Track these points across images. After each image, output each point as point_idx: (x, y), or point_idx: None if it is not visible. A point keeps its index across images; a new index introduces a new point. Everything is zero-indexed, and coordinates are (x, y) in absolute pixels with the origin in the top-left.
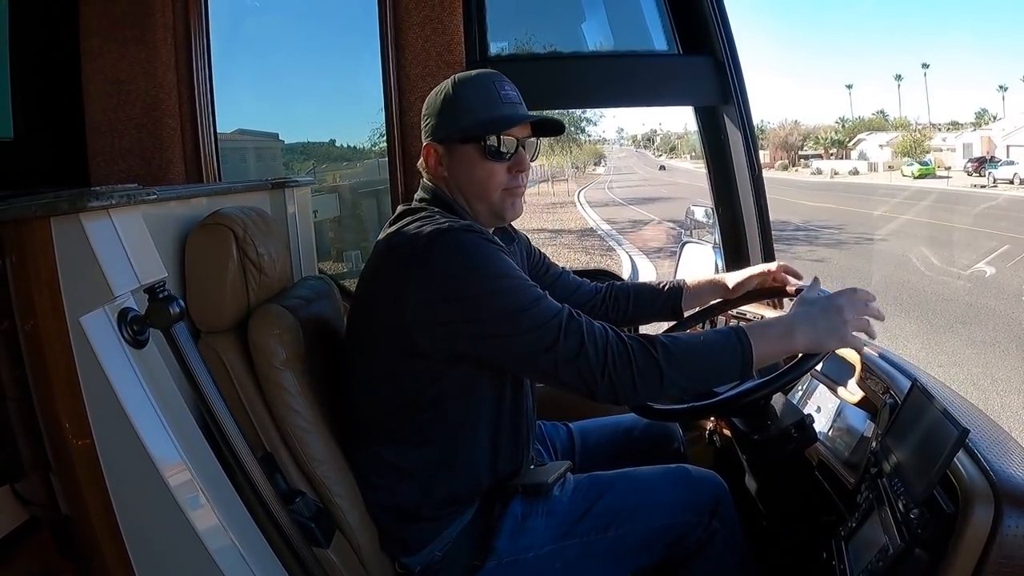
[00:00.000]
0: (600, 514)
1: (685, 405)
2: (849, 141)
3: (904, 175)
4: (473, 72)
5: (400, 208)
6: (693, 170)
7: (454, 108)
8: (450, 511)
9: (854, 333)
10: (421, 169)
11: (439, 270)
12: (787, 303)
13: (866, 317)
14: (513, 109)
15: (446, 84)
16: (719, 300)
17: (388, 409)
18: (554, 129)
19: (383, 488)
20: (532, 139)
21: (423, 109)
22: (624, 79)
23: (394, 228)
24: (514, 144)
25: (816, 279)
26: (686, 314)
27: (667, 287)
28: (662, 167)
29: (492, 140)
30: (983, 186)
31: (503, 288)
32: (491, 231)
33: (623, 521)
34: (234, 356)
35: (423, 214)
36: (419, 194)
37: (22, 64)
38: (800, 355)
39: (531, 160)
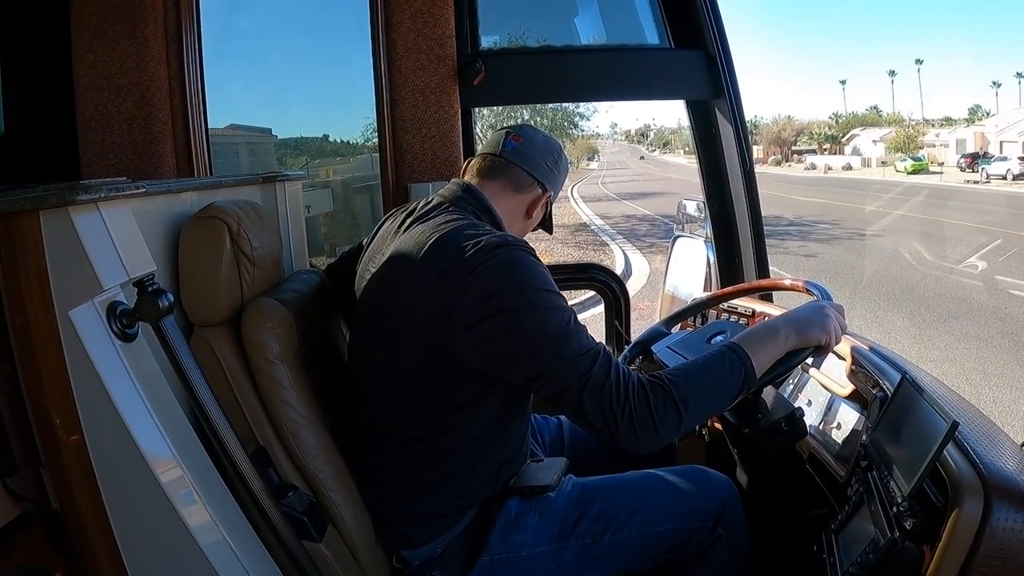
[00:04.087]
0: (595, 518)
1: None
2: (843, 137)
3: (897, 171)
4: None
5: (425, 204)
6: (684, 164)
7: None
8: (458, 514)
9: (834, 329)
10: (469, 174)
11: (496, 282)
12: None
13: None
14: None
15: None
16: (709, 295)
17: (410, 423)
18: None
19: (389, 492)
20: None
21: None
22: (616, 73)
23: (437, 230)
24: None
25: None
26: (671, 313)
27: None
28: (642, 157)
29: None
30: (976, 182)
31: (555, 307)
32: None
33: (619, 527)
34: (227, 349)
35: (471, 220)
36: (455, 190)
37: (13, 59)
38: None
39: None
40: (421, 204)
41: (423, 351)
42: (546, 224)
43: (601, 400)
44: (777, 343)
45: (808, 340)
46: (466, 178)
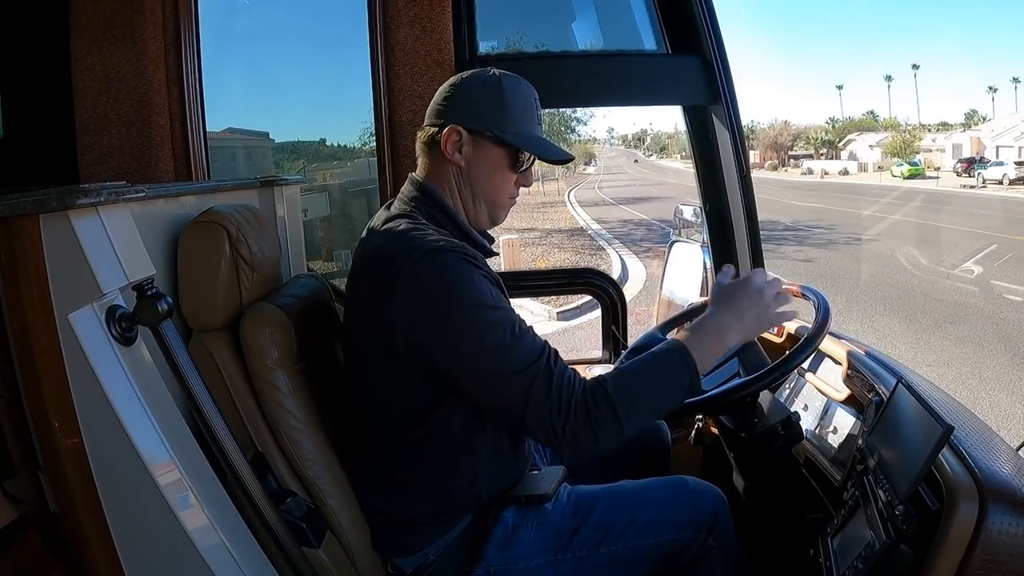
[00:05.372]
0: (592, 529)
1: None
2: (839, 141)
3: (894, 175)
4: (517, 79)
5: (384, 213)
6: (681, 168)
7: (499, 108)
8: (448, 520)
9: (778, 311)
10: (419, 153)
11: (427, 289)
12: None
13: (785, 291)
14: (541, 131)
15: (490, 78)
16: (705, 300)
17: (391, 427)
18: (564, 162)
19: (381, 497)
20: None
21: (448, 90)
22: (613, 78)
23: (383, 237)
24: (532, 161)
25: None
26: (667, 318)
27: None
28: (636, 160)
29: (526, 156)
30: (972, 187)
31: (490, 322)
32: (476, 232)
33: (616, 537)
34: (226, 354)
35: (417, 224)
36: (408, 190)
37: (12, 62)
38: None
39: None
40: (380, 210)
41: (382, 354)
42: (520, 167)
43: (542, 419)
44: (723, 344)
45: (752, 337)
46: (416, 169)
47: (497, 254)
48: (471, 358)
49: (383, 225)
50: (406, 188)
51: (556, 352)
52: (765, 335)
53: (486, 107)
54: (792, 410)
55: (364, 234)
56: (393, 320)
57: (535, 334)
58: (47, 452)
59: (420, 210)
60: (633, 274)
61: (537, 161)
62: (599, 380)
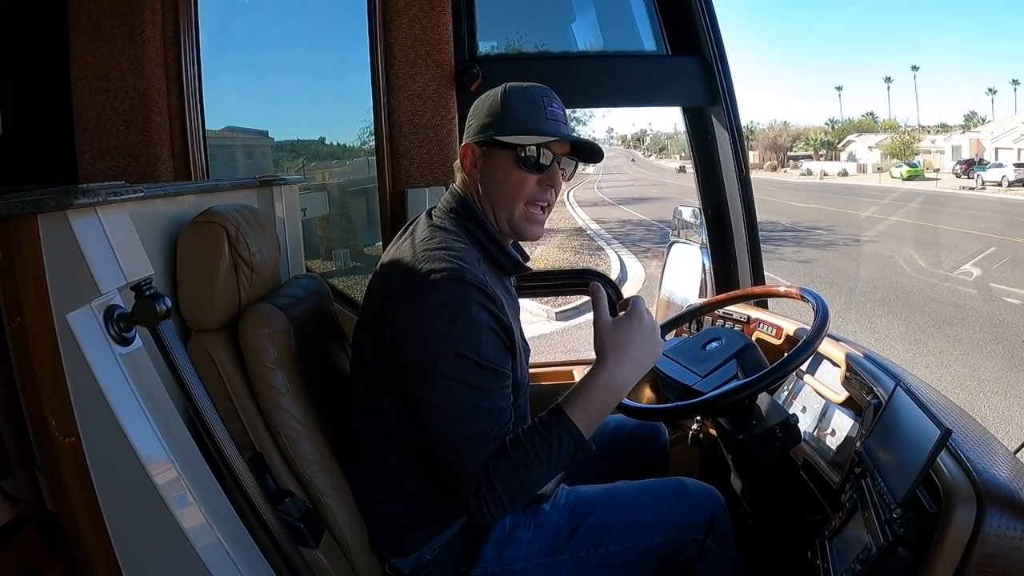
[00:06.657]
0: (589, 531)
1: (670, 404)
2: (839, 142)
3: (893, 177)
4: (525, 84)
5: (425, 220)
6: (675, 168)
7: (499, 114)
8: (445, 521)
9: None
10: (456, 169)
11: (428, 311)
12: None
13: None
14: (556, 127)
15: (496, 90)
16: (704, 302)
17: (388, 436)
18: (592, 154)
19: (378, 498)
20: (570, 160)
21: (470, 111)
22: (613, 79)
23: (420, 246)
24: (550, 158)
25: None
26: (666, 319)
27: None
28: (633, 160)
29: (529, 150)
30: (971, 188)
31: (464, 378)
32: (510, 243)
33: (613, 539)
34: (225, 355)
35: (457, 242)
36: (447, 199)
37: (11, 61)
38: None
39: (566, 179)
40: (422, 215)
41: (381, 356)
42: (529, 163)
43: (455, 485)
44: (614, 399)
45: (644, 372)
46: (456, 181)
47: (529, 271)
48: (427, 398)
49: (423, 231)
50: (446, 198)
51: (496, 439)
52: (763, 336)
53: (489, 117)
54: (790, 412)
55: (403, 234)
56: (393, 323)
57: (499, 417)
58: (44, 451)
59: (458, 223)
60: (632, 275)
61: (566, 158)
62: (488, 478)
